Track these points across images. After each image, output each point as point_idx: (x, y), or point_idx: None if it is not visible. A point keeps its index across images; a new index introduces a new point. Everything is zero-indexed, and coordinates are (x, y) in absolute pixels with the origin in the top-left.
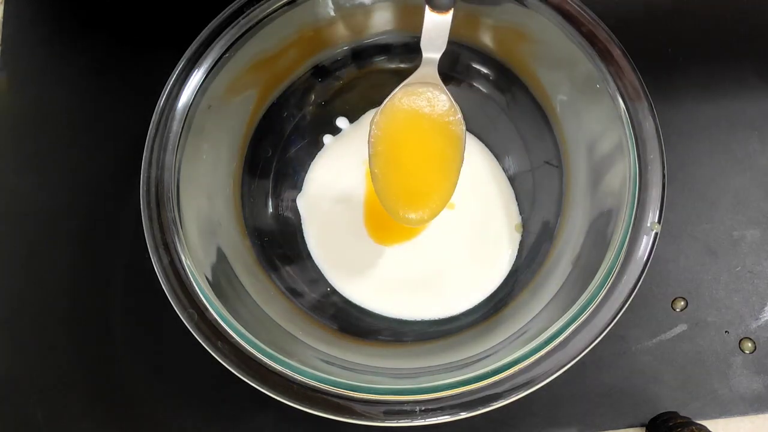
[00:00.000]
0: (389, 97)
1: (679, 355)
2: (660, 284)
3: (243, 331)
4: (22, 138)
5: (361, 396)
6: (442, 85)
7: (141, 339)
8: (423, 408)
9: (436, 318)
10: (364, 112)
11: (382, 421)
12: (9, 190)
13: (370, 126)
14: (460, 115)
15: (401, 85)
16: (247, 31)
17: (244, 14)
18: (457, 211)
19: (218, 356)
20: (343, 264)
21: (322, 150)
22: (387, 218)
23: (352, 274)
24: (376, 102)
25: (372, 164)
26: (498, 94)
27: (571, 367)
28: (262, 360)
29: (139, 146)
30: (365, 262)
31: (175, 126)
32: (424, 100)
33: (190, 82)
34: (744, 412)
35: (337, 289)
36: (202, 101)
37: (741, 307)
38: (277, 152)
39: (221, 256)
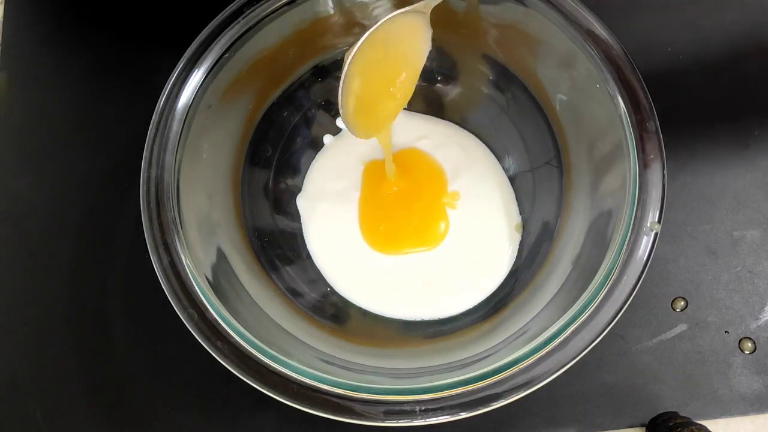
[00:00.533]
0: (384, 20)
1: (679, 355)
2: (660, 284)
3: (243, 331)
4: (22, 138)
5: (361, 396)
6: (428, 17)
7: (141, 339)
8: (423, 408)
9: (436, 318)
10: None
11: (382, 421)
12: (9, 190)
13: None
14: (428, 46)
15: (400, 11)
16: (247, 31)
17: (244, 14)
18: (457, 211)
19: (218, 356)
20: (343, 264)
21: (322, 150)
22: (381, 225)
23: (351, 274)
24: None
25: (344, 78)
26: (498, 94)
27: (571, 367)
28: (262, 360)
29: (139, 146)
30: (365, 262)
31: (175, 126)
32: (407, 29)
33: (190, 82)
34: (744, 412)
35: (336, 289)
36: (202, 101)
37: (741, 307)
38: (277, 152)
39: (221, 256)
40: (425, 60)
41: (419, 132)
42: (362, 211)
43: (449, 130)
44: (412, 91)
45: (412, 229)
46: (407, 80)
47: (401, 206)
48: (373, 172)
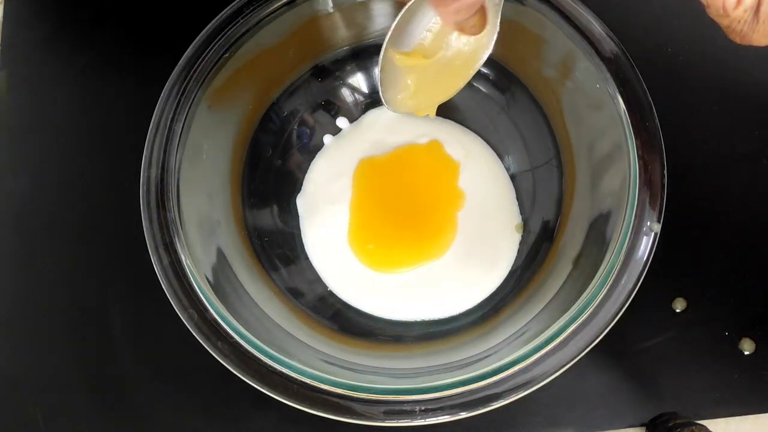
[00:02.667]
0: None
1: (679, 355)
2: (660, 284)
3: (243, 331)
4: (22, 138)
5: (361, 396)
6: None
7: (141, 339)
8: (423, 408)
9: (436, 318)
10: (364, 112)
11: (382, 421)
12: (8, 190)
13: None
14: (493, 35)
15: None
16: (246, 31)
17: (244, 14)
18: (460, 210)
19: (218, 356)
20: (340, 266)
21: (322, 150)
22: (371, 242)
23: (349, 276)
24: (377, 102)
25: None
26: (498, 94)
27: (571, 367)
28: (262, 360)
29: (139, 146)
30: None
31: (175, 126)
32: None
33: (190, 82)
34: (744, 412)
35: (334, 291)
36: (202, 101)
37: (741, 308)
38: (277, 152)
39: (221, 256)
40: (489, 50)
41: (420, 130)
42: (352, 222)
43: (450, 127)
44: (467, 79)
45: (412, 243)
46: (463, 64)
47: (401, 215)
48: (367, 173)
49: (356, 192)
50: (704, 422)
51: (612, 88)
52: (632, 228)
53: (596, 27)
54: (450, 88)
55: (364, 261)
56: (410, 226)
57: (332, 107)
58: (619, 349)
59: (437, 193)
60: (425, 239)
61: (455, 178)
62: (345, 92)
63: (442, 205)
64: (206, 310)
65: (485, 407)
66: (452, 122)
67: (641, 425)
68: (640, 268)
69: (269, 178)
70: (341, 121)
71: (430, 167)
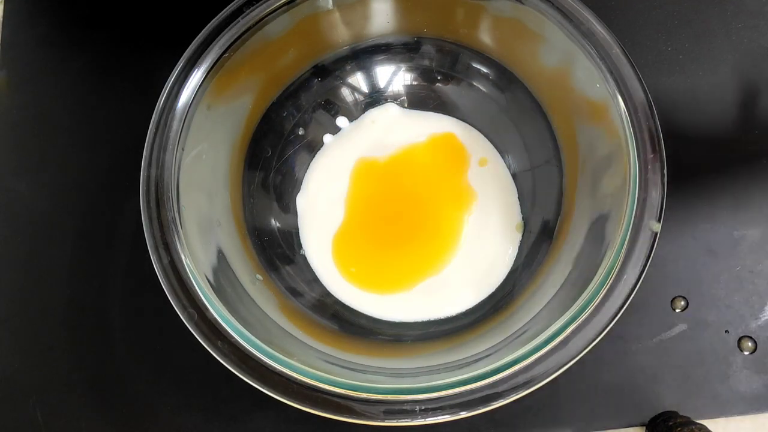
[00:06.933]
0: None
1: (679, 355)
2: (660, 284)
3: (243, 330)
4: (21, 138)
5: (361, 396)
6: None
7: (141, 339)
8: (423, 407)
9: (436, 318)
10: (364, 112)
11: (382, 420)
12: (8, 190)
13: None
14: None
15: None
16: (246, 31)
17: (244, 14)
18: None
19: (218, 356)
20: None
21: (322, 149)
22: (353, 265)
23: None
24: (377, 102)
25: None
26: (498, 93)
27: (571, 366)
28: (262, 360)
29: (138, 146)
30: None
31: (175, 126)
32: None
33: (190, 82)
34: (744, 412)
35: (332, 292)
36: (202, 101)
37: (741, 307)
38: (277, 152)
39: (221, 256)
40: None
41: (421, 128)
42: (336, 239)
43: (453, 125)
44: None
45: (405, 264)
46: None
47: (397, 230)
48: (365, 177)
49: (350, 200)
50: (704, 422)
51: (612, 88)
52: (632, 228)
53: (596, 27)
54: None
55: (350, 282)
56: (406, 243)
57: (332, 107)
58: (619, 349)
59: (443, 195)
60: (422, 258)
61: (464, 176)
62: (345, 92)
63: (447, 210)
64: (206, 309)
65: (485, 407)
66: (455, 119)
67: (641, 425)
68: (640, 268)
69: (269, 178)
70: (341, 121)
71: (436, 167)
